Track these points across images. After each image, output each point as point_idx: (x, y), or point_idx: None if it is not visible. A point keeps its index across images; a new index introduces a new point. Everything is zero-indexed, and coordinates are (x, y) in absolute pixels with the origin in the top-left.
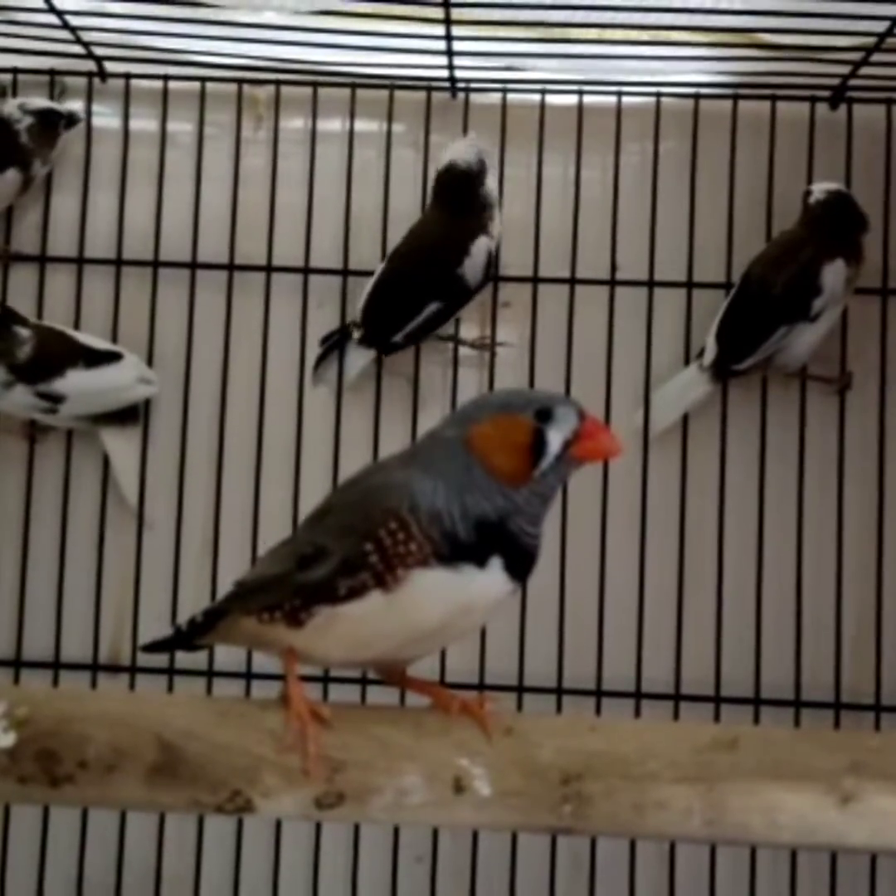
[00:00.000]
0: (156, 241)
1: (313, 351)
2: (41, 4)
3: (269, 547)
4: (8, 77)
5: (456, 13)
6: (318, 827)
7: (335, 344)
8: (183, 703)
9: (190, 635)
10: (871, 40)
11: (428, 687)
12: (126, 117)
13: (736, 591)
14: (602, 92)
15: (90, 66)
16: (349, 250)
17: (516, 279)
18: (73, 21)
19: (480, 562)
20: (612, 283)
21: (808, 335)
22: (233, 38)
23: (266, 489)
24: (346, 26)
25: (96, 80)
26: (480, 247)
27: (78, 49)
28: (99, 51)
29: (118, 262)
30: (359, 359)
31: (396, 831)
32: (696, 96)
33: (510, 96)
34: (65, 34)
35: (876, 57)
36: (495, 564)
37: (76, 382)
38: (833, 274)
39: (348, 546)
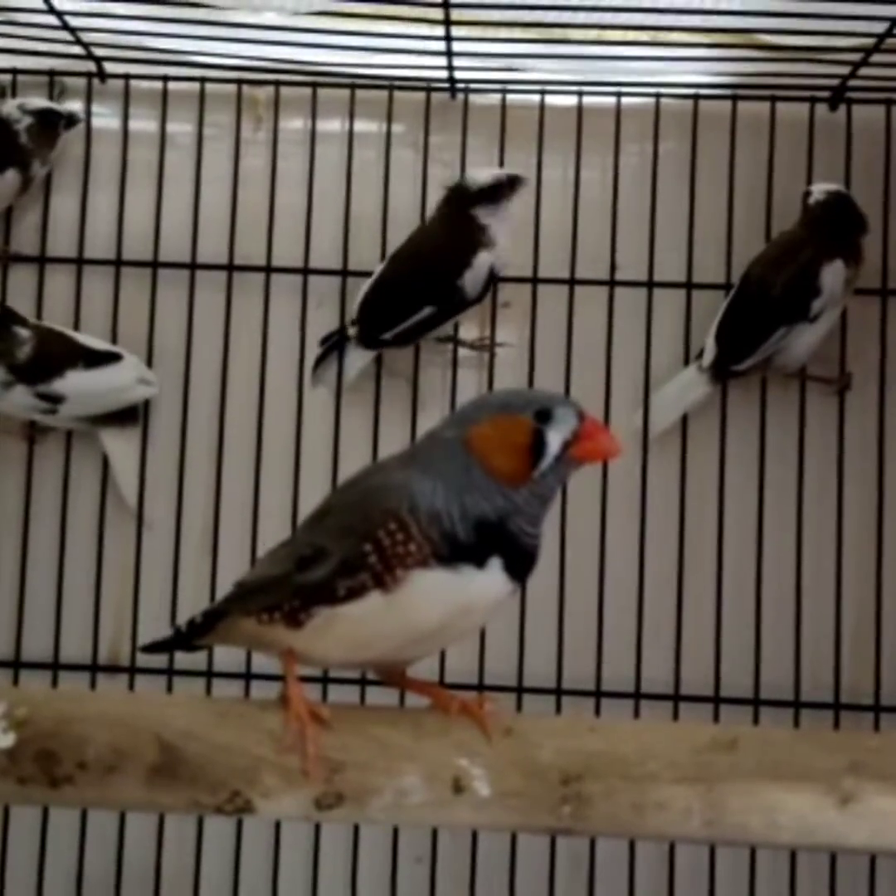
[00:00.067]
0: (155, 242)
1: (313, 351)
2: (41, 5)
3: (269, 548)
4: (7, 77)
5: (455, 14)
6: (318, 827)
7: (334, 344)
8: (182, 703)
9: (189, 636)
10: (870, 41)
11: (427, 687)
12: (125, 118)
13: (735, 592)
14: (601, 92)
15: (90, 66)
16: (348, 251)
17: (516, 280)
18: (73, 22)
19: (480, 562)
20: (612, 283)
21: (807, 336)
22: (232, 39)
23: (265, 490)
24: (345, 27)
25: (96, 81)
26: (483, 261)
27: (77, 50)
28: (98, 51)
29: (117, 263)
30: (358, 359)
31: (396, 832)
32: (696, 97)
33: (509, 97)
34: (64, 35)
35: (875, 58)
36: (495, 565)
37: (76, 383)
38: (832, 275)
39: (347, 547)
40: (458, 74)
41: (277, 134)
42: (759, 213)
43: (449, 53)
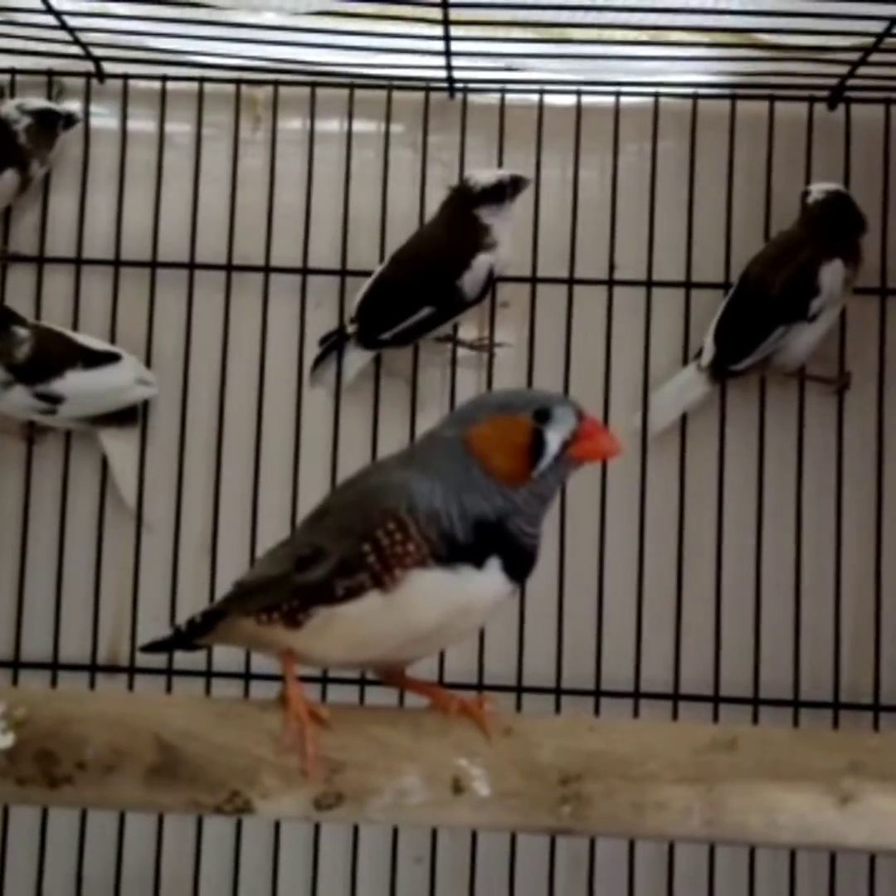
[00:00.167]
0: (154, 242)
1: (312, 351)
2: (39, 5)
3: (268, 548)
4: (6, 77)
5: (454, 13)
6: (317, 828)
7: (333, 344)
8: (182, 703)
9: (189, 636)
10: (869, 40)
11: (427, 687)
12: (124, 118)
13: (735, 591)
14: (600, 92)
15: (88, 66)
16: (347, 251)
17: (515, 279)
18: (71, 22)
19: (478, 563)
20: (611, 283)
21: (806, 335)
22: (231, 39)
23: (264, 490)
24: (344, 27)
25: (94, 81)
26: (483, 262)
27: (76, 50)
28: (97, 51)
29: (116, 263)
30: (357, 359)
31: (395, 832)
32: (695, 96)
33: (508, 96)
34: (63, 35)
35: (874, 57)
36: (493, 565)
37: (75, 383)
38: (831, 274)
39: (346, 547)
40: (456, 74)
41: (276, 134)
42: (758, 212)
43: (448, 53)
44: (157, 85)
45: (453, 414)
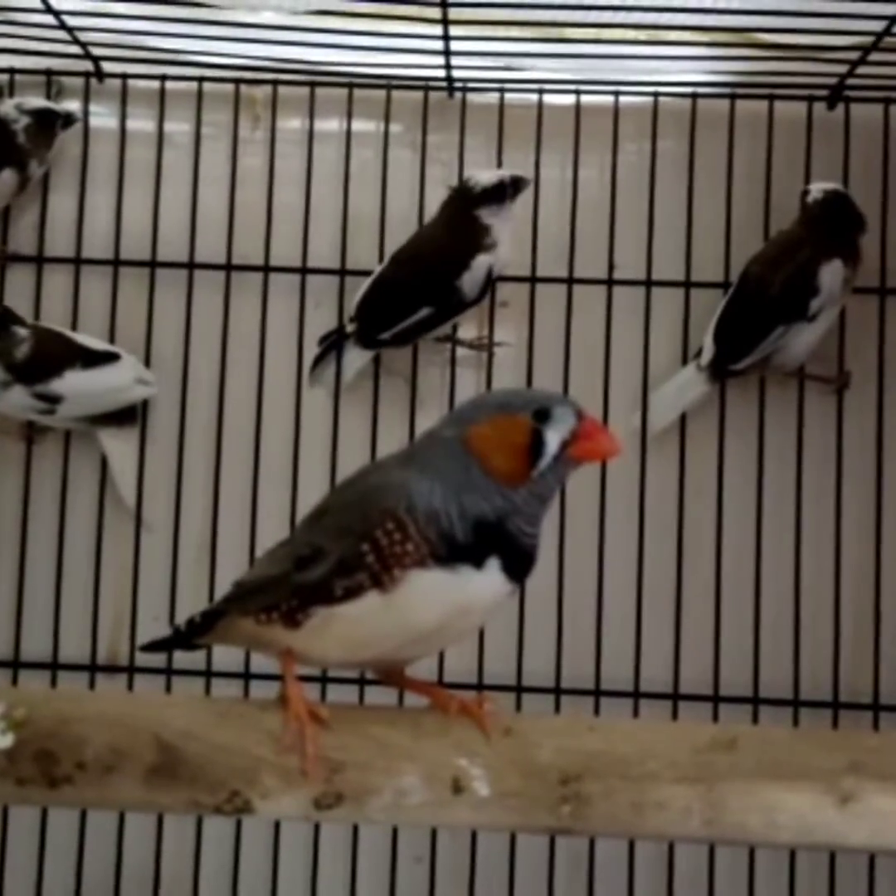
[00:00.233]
0: (153, 242)
1: (311, 351)
2: (38, 4)
3: (267, 548)
4: (5, 77)
5: (453, 13)
6: (317, 827)
7: (332, 344)
8: (181, 703)
9: (188, 635)
10: (868, 40)
11: (426, 687)
12: (123, 117)
13: (734, 591)
14: (600, 92)
15: (87, 66)
16: (347, 250)
17: (514, 279)
18: (71, 21)
19: (478, 562)
20: (610, 282)
21: (805, 335)
22: (230, 38)
23: (264, 490)
24: (343, 26)
25: (93, 80)
26: (482, 263)
27: (75, 49)
28: (96, 51)
29: (116, 263)
30: (356, 359)
31: (395, 832)
32: (694, 96)
33: (508, 96)
34: (62, 34)
35: (873, 56)
36: (493, 565)
37: (74, 383)
38: (831, 274)
39: (345, 547)
40: (455, 73)
41: (275, 133)
42: (758, 211)
43: (447, 52)
44: (156, 84)
45: (453, 414)
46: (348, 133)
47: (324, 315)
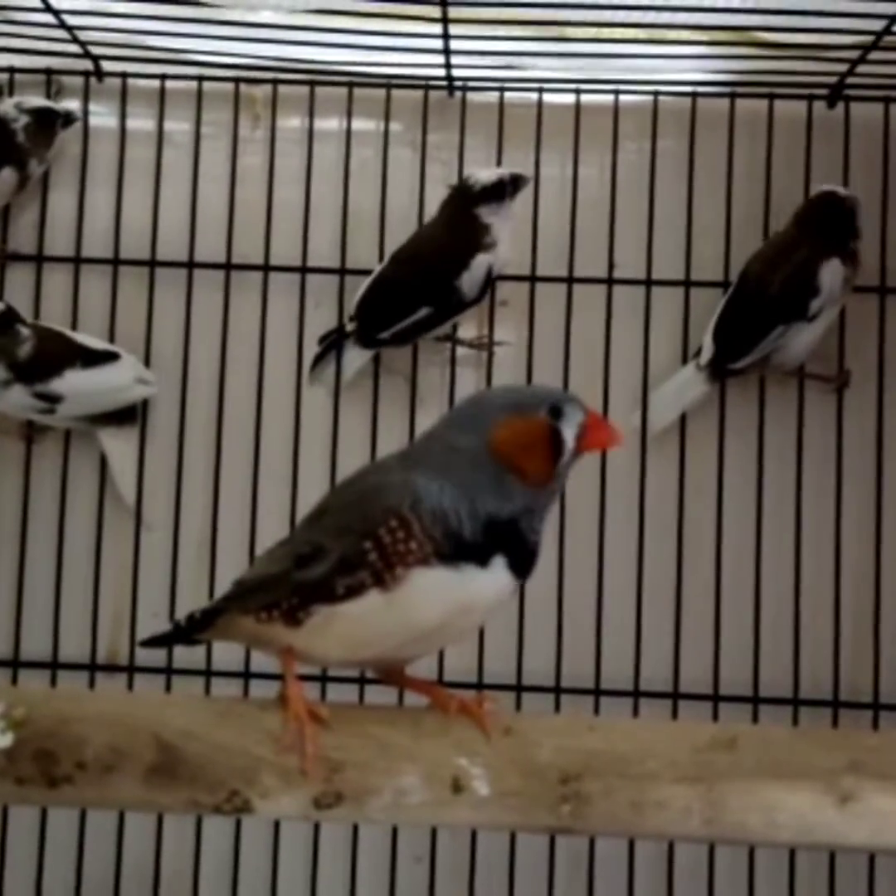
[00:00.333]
0: (153, 241)
1: (311, 350)
2: (38, 3)
3: (267, 547)
4: (4, 76)
5: (453, 12)
6: (317, 827)
7: (332, 343)
8: (181, 703)
9: (188, 631)
10: (868, 38)
11: (426, 686)
12: (123, 116)
13: (734, 590)
14: (599, 91)
15: (87, 65)
16: (347, 249)
17: (514, 278)
18: (70, 20)
19: (482, 561)
20: (610, 281)
21: (805, 335)
22: (230, 38)
23: (264, 489)
24: (343, 25)
25: (93, 80)
26: (481, 262)
27: (75, 48)
28: (96, 50)
29: (115, 262)
30: (356, 358)
31: (395, 831)
32: (694, 95)
33: (508, 95)
34: (61, 33)
35: (873, 55)
36: (498, 563)
37: (74, 383)
38: (830, 274)
39: (347, 545)
40: (455, 72)
41: (275, 132)
42: (758, 210)
43: (447, 51)
44: (155, 83)
45: (456, 417)
46: (348, 132)
47: (324, 314)
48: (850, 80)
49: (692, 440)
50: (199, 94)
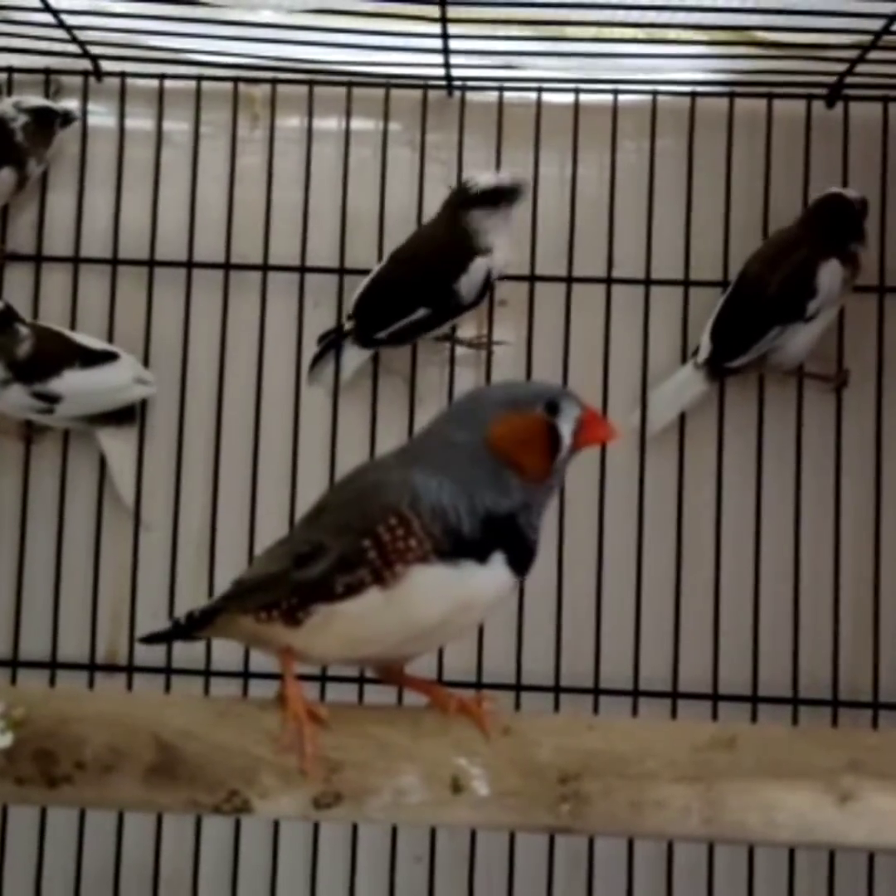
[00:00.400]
0: (152, 241)
1: (310, 350)
2: (37, 3)
3: (266, 546)
4: (3, 76)
5: (452, 12)
6: (316, 827)
7: (331, 343)
8: (180, 703)
9: (188, 629)
10: (867, 38)
11: (425, 686)
12: (122, 116)
13: (733, 589)
14: (598, 90)
15: (86, 64)
16: (345, 249)
17: (513, 278)
18: (69, 20)
19: (481, 558)
20: (609, 281)
21: (803, 335)
22: (229, 37)
23: (263, 489)
24: (341, 25)
25: (92, 79)
26: (480, 266)
27: (74, 48)
28: (95, 49)
29: (114, 262)
30: (355, 358)
31: (394, 831)
32: (693, 94)
33: (507, 95)
34: (60, 33)
35: (872, 54)
36: (497, 560)
37: (72, 382)
38: (829, 275)
39: (346, 543)
40: (454, 72)
41: (274, 132)
42: (757, 210)
43: (446, 51)
44: (154, 83)
45: (454, 413)
46: (347, 132)
47: (323, 314)
48: (849, 79)
49: (691, 439)
50: (198, 93)
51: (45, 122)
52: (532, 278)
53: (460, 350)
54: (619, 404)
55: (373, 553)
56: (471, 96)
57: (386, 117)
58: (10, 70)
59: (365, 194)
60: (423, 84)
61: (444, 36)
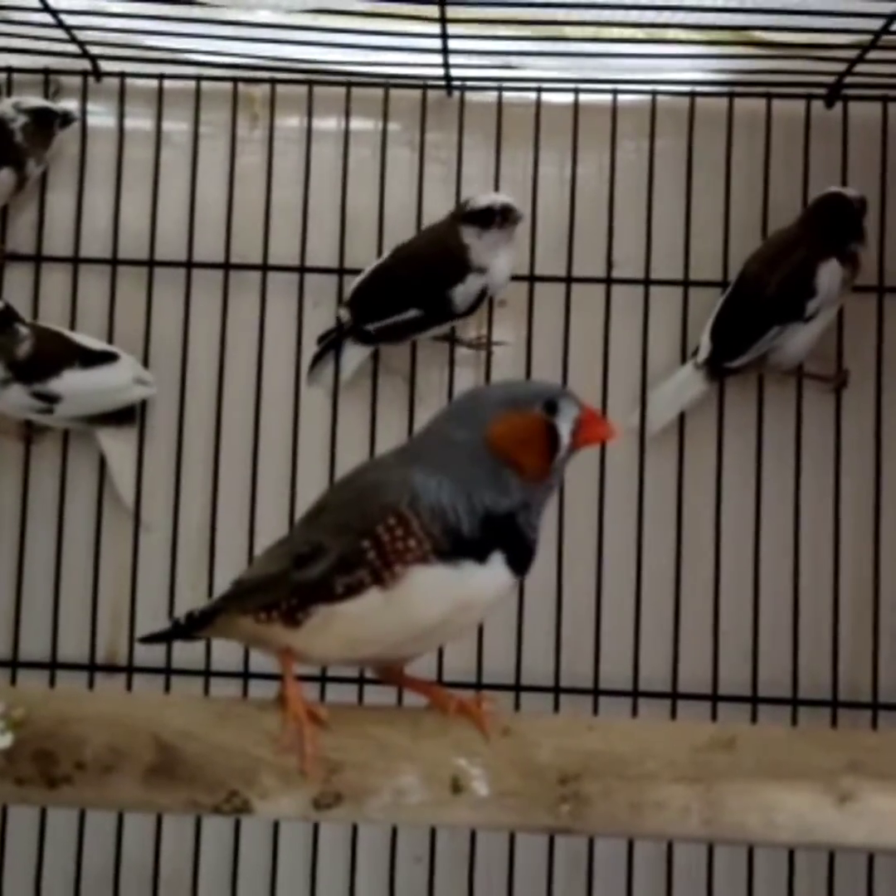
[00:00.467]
0: (151, 241)
1: (309, 350)
2: (36, 3)
3: (266, 547)
4: (3, 76)
5: (451, 12)
6: (316, 827)
7: (331, 343)
8: (180, 703)
9: (188, 629)
10: (866, 38)
11: (425, 686)
12: (121, 116)
13: (733, 589)
14: (598, 90)
15: (85, 65)
16: (345, 249)
17: (512, 278)
18: (68, 20)
19: (481, 557)
20: (609, 281)
21: (802, 335)
22: (228, 37)
23: (263, 489)
24: (341, 25)
25: (91, 79)
26: (476, 281)
27: (73, 48)
28: (94, 50)
29: (114, 262)
30: (354, 356)
31: (394, 831)
32: (692, 94)
33: (506, 94)
34: (60, 33)
35: (872, 54)
36: (496, 559)
37: (72, 383)
38: (828, 275)
39: (345, 543)
40: (454, 72)
41: (273, 132)
42: (756, 209)
43: (445, 51)
44: (154, 83)
45: (453, 412)
46: (346, 132)
47: (322, 314)
48: (849, 79)
49: (691, 439)
50: (198, 93)
51: (45, 123)
52: (531, 278)
53: (460, 350)
54: (619, 404)
55: (372, 553)
56: (470, 96)
57: (385, 117)
58: (9, 70)
59: (364, 194)
60: (423, 84)
61: (444, 36)
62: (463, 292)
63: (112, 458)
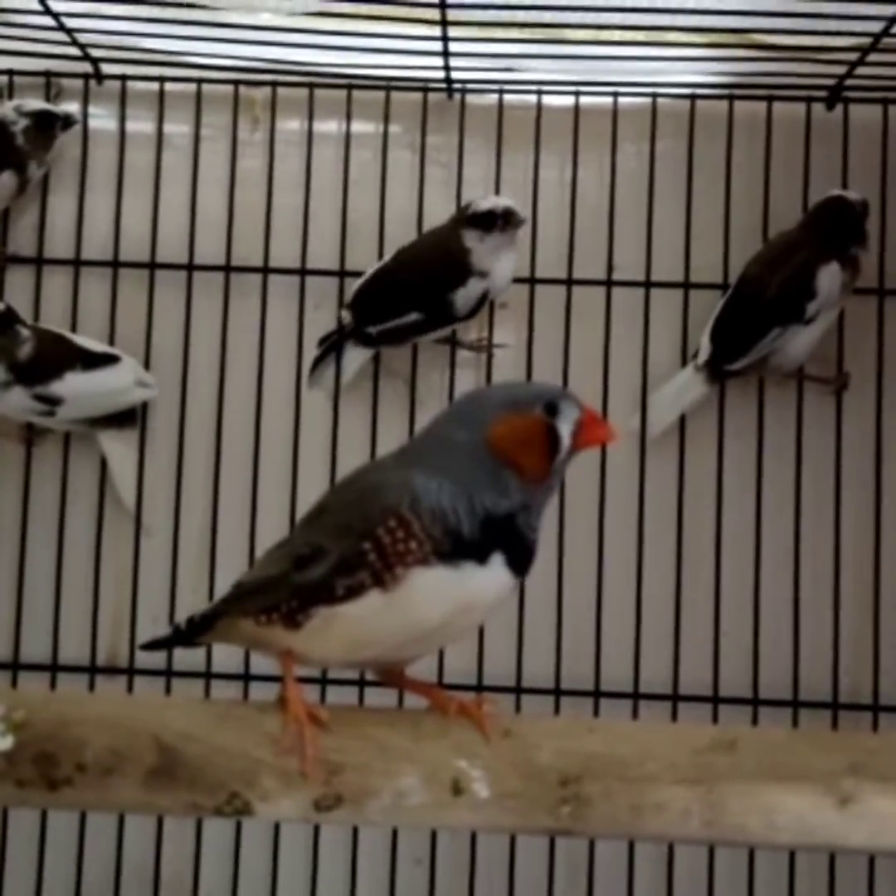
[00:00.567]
0: (152, 243)
1: (310, 353)
2: (37, 6)
3: (266, 549)
4: (4, 79)
5: (452, 14)
6: (317, 829)
7: (332, 346)
8: (181, 705)
9: (189, 634)
10: (867, 40)
11: (426, 688)
12: (122, 119)
13: (734, 592)
14: (598, 93)
15: (86, 67)
16: (346, 252)
17: (513, 280)
18: (69, 23)
19: (481, 559)
20: (609, 283)
21: (802, 337)
22: (229, 40)
23: (264, 491)
24: (341, 27)
25: (92, 82)
26: (477, 285)
27: (74, 51)
28: (95, 52)
29: (115, 264)
30: (356, 358)
31: (395, 833)
32: (693, 97)
33: (506, 97)
34: (61, 36)
35: (872, 57)
36: (497, 561)
37: (73, 385)
38: (829, 277)
39: (346, 545)
40: (454, 75)
41: (274, 135)
42: (757, 212)
43: (446, 54)
44: (155, 86)
45: (453, 413)
46: (347, 134)
47: (323, 317)
48: (849, 81)
49: (692, 442)
50: (199, 96)
51: (46, 126)
52: (532, 281)
53: (461, 353)
54: (620, 407)
55: (373, 555)
56: (471, 99)
57: (386, 120)
58: (10, 73)
59: (365, 197)
60: (424, 87)
61: (445, 39)
62: (464, 296)
63: (113, 461)
